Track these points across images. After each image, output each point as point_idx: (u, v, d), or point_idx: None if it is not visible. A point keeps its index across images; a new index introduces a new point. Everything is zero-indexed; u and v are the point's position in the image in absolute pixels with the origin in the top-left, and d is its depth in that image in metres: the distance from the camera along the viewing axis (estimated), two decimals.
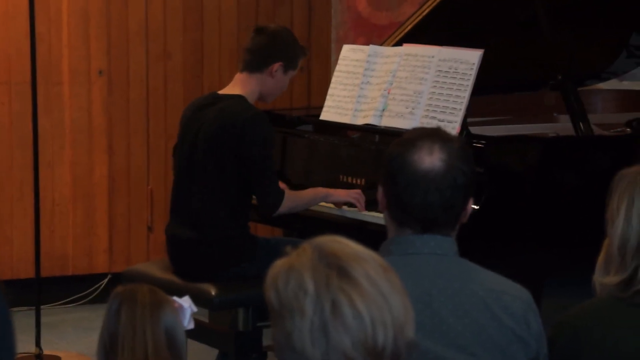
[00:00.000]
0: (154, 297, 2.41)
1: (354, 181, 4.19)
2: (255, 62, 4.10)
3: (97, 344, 2.43)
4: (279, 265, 1.61)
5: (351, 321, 1.54)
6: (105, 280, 5.82)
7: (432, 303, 2.17)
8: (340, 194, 4.11)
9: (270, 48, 4.10)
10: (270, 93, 4.16)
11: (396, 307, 1.58)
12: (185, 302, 2.47)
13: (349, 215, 4.10)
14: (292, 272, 1.59)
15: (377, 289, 1.57)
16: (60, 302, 5.76)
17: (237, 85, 4.12)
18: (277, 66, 4.09)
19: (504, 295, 2.22)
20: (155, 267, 4.22)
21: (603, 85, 5.07)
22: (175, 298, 2.47)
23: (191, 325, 2.47)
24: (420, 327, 1.89)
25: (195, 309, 2.50)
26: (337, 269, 1.57)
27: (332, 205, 4.16)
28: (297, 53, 4.16)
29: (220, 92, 4.17)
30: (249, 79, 4.11)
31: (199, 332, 4.17)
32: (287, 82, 4.18)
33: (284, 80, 4.14)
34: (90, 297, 5.77)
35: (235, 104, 4.04)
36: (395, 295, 1.58)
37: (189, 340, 4.14)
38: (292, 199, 4.04)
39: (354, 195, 4.08)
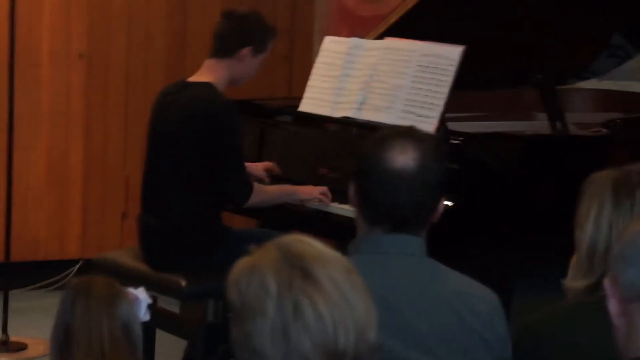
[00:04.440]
0: (109, 289, 2.35)
1: (331, 174, 4.17)
2: (224, 48, 4.04)
3: (50, 338, 2.38)
4: (242, 264, 1.60)
5: (313, 323, 1.53)
6: (77, 267, 5.77)
7: (397, 304, 2.16)
8: (307, 191, 4.07)
9: (238, 33, 4.04)
10: (241, 78, 4.10)
11: (358, 310, 1.57)
12: (141, 293, 2.43)
13: (315, 206, 4.08)
14: (255, 272, 1.57)
15: (340, 292, 1.56)
16: (30, 287, 5.71)
17: (206, 72, 4.06)
18: (246, 51, 4.03)
19: (471, 297, 2.21)
20: (127, 255, 4.18)
21: (583, 85, 5.07)
22: (130, 289, 2.42)
23: (147, 317, 2.43)
24: (384, 328, 1.87)
25: (150, 300, 2.46)
26: (300, 270, 1.56)
27: None
28: (266, 35, 4.09)
29: (189, 79, 4.10)
30: (217, 65, 4.05)
31: (169, 323, 4.17)
32: (258, 65, 4.11)
33: (254, 64, 4.08)
34: (61, 283, 5.71)
35: (201, 93, 3.97)
36: (357, 298, 1.57)
37: (159, 331, 4.14)
38: (261, 193, 4.01)
39: (319, 193, 4.05)
